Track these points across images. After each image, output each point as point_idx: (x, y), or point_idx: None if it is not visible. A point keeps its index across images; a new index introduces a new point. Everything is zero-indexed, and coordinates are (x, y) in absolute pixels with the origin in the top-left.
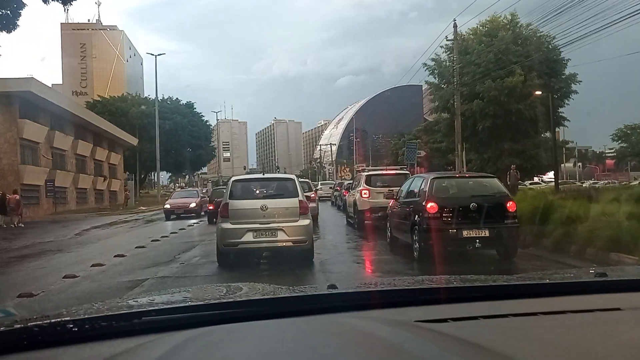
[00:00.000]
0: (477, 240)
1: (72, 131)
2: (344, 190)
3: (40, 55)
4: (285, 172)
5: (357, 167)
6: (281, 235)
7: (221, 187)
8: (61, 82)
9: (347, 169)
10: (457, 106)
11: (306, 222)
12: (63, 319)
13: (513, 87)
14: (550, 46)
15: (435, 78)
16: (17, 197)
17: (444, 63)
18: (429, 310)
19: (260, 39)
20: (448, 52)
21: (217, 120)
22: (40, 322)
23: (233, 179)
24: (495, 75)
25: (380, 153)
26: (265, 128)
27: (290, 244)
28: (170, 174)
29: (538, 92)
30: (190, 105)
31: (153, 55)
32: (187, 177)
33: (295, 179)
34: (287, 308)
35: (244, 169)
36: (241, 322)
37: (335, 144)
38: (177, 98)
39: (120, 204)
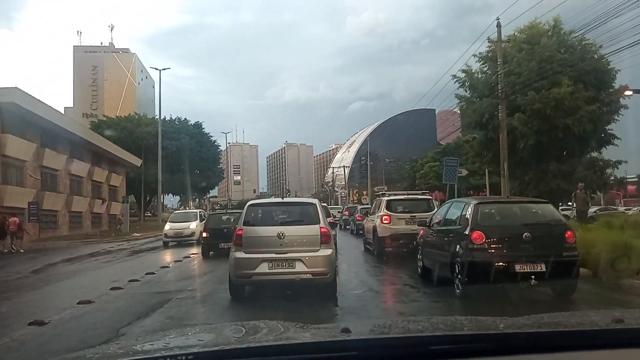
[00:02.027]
0: (532, 277)
1: (66, 149)
2: (357, 215)
3: (52, 78)
4: (296, 196)
5: (377, 190)
6: (299, 267)
7: (219, 212)
8: (72, 105)
9: (357, 193)
10: (503, 118)
11: (328, 252)
12: None
13: (560, 99)
14: (596, 55)
15: (466, 91)
16: (17, 219)
17: (476, 75)
18: None
19: (272, 66)
20: (482, 62)
21: (228, 143)
22: None
23: (248, 203)
24: (538, 86)
25: (392, 177)
26: (276, 152)
27: (309, 276)
28: (179, 197)
29: (590, 106)
30: (198, 126)
31: (157, 69)
32: (197, 200)
33: (317, 204)
34: (298, 355)
35: (254, 192)
36: None
37: (348, 166)
38: (185, 118)
39: (115, 229)
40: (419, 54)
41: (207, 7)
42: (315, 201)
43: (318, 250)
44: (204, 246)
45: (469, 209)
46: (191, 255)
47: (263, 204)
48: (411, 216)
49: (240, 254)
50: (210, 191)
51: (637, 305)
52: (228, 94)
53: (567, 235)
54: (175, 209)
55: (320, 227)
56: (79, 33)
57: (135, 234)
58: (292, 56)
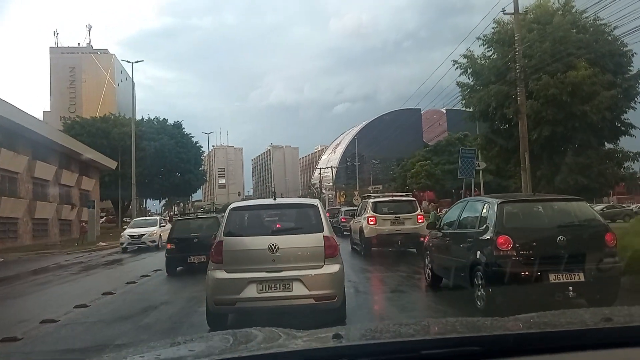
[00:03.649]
0: (571, 287)
1: (27, 150)
2: (341, 217)
3: (30, 82)
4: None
5: (373, 189)
6: (298, 289)
7: (187, 218)
8: (50, 109)
9: (344, 194)
10: (522, 102)
11: (335, 268)
12: None
13: (578, 83)
14: (610, 37)
15: (468, 78)
16: None
17: (479, 60)
18: None
19: (256, 68)
20: (486, 46)
21: (213, 146)
22: None
23: (231, 206)
24: (552, 70)
25: (378, 177)
26: (261, 154)
27: (311, 301)
28: (164, 201)
29: (609, 92)
30: (178, 126)
31: (129, 62)
32: (180, 204)
33: (319, 206)
34: None
35: (239, 195)
36: None
37: (335, 167)
38: (164, 118)
39: (78, 237)
40: (402, 55)
41: (189, 8)
42: (317, 202)
43: (322, 267)
44: (168, 261)
45: (492, 210)
46: (151, 274)
47: (250, 207)
48: (396, 217)
49: (221, 274)
50: (193, 195)
51: None
52: (212, 97)
53: (607, 238)
54: (159, 214)
55: (324, 236)
56: (56, 34)
57: (101, 243)
58: (276, 58)
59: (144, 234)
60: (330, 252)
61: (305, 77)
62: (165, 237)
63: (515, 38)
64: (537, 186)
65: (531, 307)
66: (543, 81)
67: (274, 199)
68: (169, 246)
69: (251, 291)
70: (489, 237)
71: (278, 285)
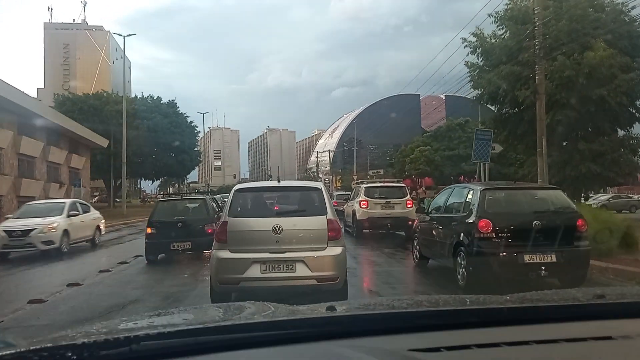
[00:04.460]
0: (543, 267)
1: (12, 124)
2: (333, 201)
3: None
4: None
5: (373, 173)
6: (301, 270)
7: (171, 199)
8: (43, 86)
9: (340, 179)
10: (540, 81)
11: (337, 250)
12: (61, 346)
13: (596, 65)
14: (627, 18)
15: (477, 58)
16: None
17: (489, 40)
18: (423, 338)
19: (255, 50)
20: (498, 24)
21: (209, 128)
22: (41, 350)
23: (235, 187)
24: (568, 51)
25: (375, 162)
26: (258, 137)
27: (313, 282)
28: (159, 181)
29: (628, 74)
30: (172, 105)
31: (121, 35)
32: (176, 185)
33: (323, 189)
34: (283, 332)
35: (234, 177)
36: (238, 349)
37: (333, 150)
38: (158, 97)
39: None
40: (402, 40)
41: None
42: (320, 185)
43: (325, 249)
44: (148, 247)
45: (474, 196)
46: (130, 260)
47: (254, 189)
48: (386, 202)
49: (225, 254)
50: (187, 176)
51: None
52: (209, 78)
53: (578, 223)
54: (155, 195)
55: (327, 219)
56: (50, 9)
57: None
58: (275, 40)
59: (33, 229)
60: (333, 235)
61: (304, 60)
62: (79, 231)
63: (535, 11)
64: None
65: (507, 284)
66: (559, 62)
67: (278, 181)
68: (149, 230)
69: (255, 271)
70: (471, 221)
71: (281, 266)
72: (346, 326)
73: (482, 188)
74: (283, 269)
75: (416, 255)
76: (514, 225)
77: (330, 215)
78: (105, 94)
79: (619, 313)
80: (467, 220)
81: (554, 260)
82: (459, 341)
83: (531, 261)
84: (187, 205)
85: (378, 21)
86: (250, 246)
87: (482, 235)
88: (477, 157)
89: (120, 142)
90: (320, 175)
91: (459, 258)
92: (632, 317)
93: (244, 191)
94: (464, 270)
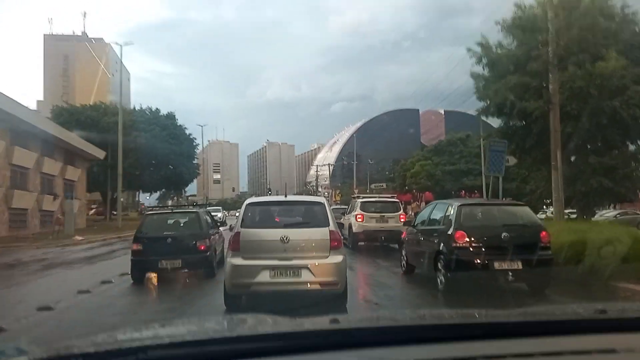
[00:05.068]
0: (510, 273)
1: (5, 135)
2: None
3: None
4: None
5: (375, 186)
6: (306, 276)
7: (161, 212)
8: (43, 98)
9: (339, 193)
10: (554, 90)
11: (339, 258)
12: (73, 354)
13: (608, 76)
14: (637, 28)
15: (483, 69)
16: None
17: (495, 49)
18: (428, 350)
19: (255, 64)
20: (506, 32)
21: (208, 141)
22: (53, 358)
23: (247, 202)
24: (578, 61)
25: (374, 177)
26: (257, 150)
27: (317, 286)
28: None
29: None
30: (171, 117)
31: (118, 44)
32: (174, 198)
33: (326, 204)
34: (288, 344)
35: (233, 190)
36: (244, 359)
37: (332, 164)
38: (157, 108)
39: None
40: (401, 55)
41: (188, 2)
42: (324, 200)
43: (327, 257)
44: (133, 265)
45: (453, 210)
46: (115, 279)
47: (264, 203)
48: (381, 216)
49: (238, 260)
50: (186, 189)
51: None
52: (209, 92)
53: (542, 235)
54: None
55: (330, 230)
56: (50, 21)
57: (77, 237)
58: (275, 54)
59: None
60: (335, 245)
61: (304, 74)
62: None
63: (549, 17)
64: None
65: (479, 288)
66: (569, 72)
67: (285, 196)
68: (135, 247)
69: (264, 276)
70: (449, 232)
71: (288, 272)
72: (352, 337)
73: (459, 204)
74: (290, 275)
75: (404, 264)
76: (486, 236)
77: (332, 227)
78: (103, 106)
79: (620, 328)
80: (446, 232)
81: (520, 267)
82: (463, 353)
83: (500, 268)
84: (179, 219)
85: (377, 36)
86: (261, 254)
87: (458, 244)
88: (492, 169)
89: (117, 154)
90: (320, 189)
91: (439, 265)
92: (633, 332)
93: (255, 205)
94: (443, 276)
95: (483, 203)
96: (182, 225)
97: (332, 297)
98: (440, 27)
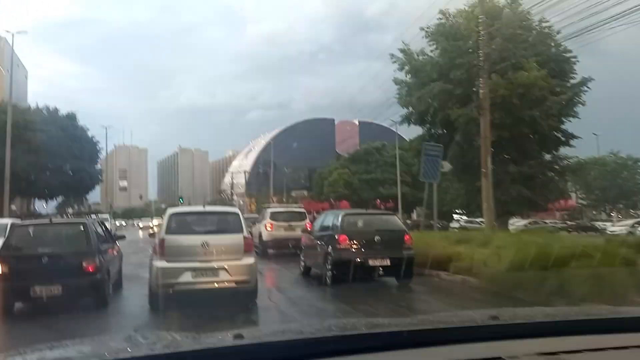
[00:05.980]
0: (381, 268)
1: None
2: None
3: None
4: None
5: (296, 195)
6: (223, 275)
7: (39, 223)
8: None
9: (254, 201)
10: (484, 96)
11: (250, 260)
12: None
13: (530, 85)
14: (553, 43)
15: (406, 75)
16: None
17: (417, 57)
18: None
19: (168, 67)
20: (429, 39)
21: (114, 145)
22: None
23: (170, 211)
24: (500, 70)
25: (290, 185)
26: (168, 156)
27: (232, 285)
28: (55, 201)
29: (557, 97)
30: (72, 117)
31: (9, 32)
32: (75, 206)
33: (240, 214)
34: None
35: (140, 198)
36: None
37: (248, 172)
38: (55, 108)
39: None
40: (317, 67)
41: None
42: (238, 210)
43: (241, 259)
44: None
45: (339, 218)
46: None
47: (186, 213)
48: (289, 225)
49: (163, 263)
50: (87, 196)
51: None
52: (117, 94)
53: (405, 238)
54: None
55: (243, 236)
56: None
57: None
58: (189, 59)
59: None
60: (247, 248)
61: (219, 80)
62: None
63: (479, 20)
64: (475, 198)
65: (358, 281)
66: (492, 80)
67: (204, 207)
68: (1, 270)
69: (187, 277)
70: (335, 236)
71: (208, 273)
72: (253, 355)
73: (344, 213)
74: (209, 275)
75: (302, 265)
76: (363, 239)
77: (245, 233)
78: None
79: (510, 334)
80: (332, 236)
81: (389, 263)
82: None
83: (374, 264)
84: (59, 232)
85: (294, 46)
86: (183, 257)
87: (341, 246)
88: (426, 175)
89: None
90: (235, 197)
91: (327, 264)
92: (521, 338)
93: (178, 215)
94: (330, 272)
95: (362, 213)
96: (64, 240)
97: (245, 294)
98: (354, 42)
